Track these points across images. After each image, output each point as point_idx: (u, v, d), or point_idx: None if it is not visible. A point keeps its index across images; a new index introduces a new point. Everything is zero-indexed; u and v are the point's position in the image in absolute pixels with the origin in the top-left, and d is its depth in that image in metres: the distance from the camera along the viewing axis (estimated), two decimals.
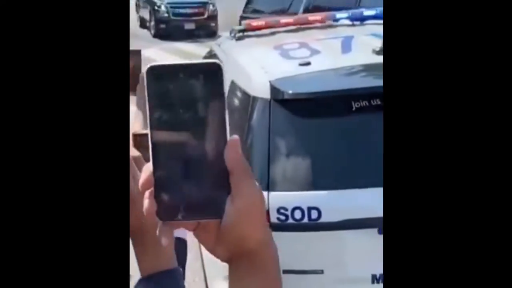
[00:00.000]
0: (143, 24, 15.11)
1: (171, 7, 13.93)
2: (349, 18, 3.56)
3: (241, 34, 3.43)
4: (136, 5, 15.52)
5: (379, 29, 3.07)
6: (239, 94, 2.60)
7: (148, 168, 0.65)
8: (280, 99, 2.30)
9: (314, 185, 2.20)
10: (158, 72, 0.61)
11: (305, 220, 2.15)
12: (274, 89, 2.32)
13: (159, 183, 0.63)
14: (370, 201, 2.16)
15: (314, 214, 2.15)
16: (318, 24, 3.57)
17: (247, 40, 3.37)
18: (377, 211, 2.16)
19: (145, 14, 14.79)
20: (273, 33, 3.43)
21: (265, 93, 2.34)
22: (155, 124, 0.61)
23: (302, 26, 3.57)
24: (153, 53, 11.07)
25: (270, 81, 2.36)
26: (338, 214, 2.15)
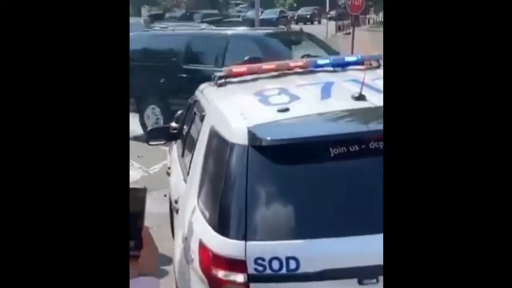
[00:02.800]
0: None
1: None
2: (330, 64, 3.58)
3: (223, 80, 3.43)
4: None
5: (360, 75, 3.08)
6: (218, 140, 2.57)
7: None
8: (257, 146, 2.26)
9: (293, 234, 2.15)
10: None
11: (283, 270, 2.08)
12: (251, 135, 2.29)
13: None
14: (350, 250, 2.11)
15: (292, 264, 2.08)
16: (300, 70, 3.59)
17: (229, 86, 3.37)
18: (357, 260, 2.10)
19: None
20: (255, 79, 3.44)
21: (243, 140, 2.31)
22: None
23: (285, 72, 3.59)
24: None
25: (248, 127, 2.33)
26: (317, 264, 2.09)
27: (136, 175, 6.92)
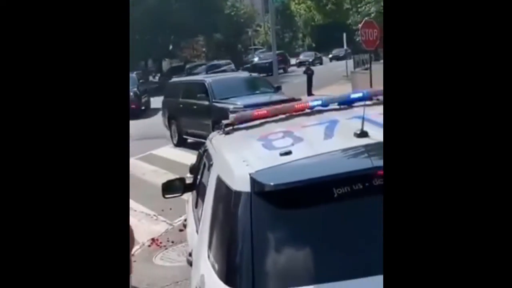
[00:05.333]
0: None
1: None
2: (337, 102, 3.56)
3: (230, 128, 3.43)
4: None
5: (366, 111, 3.06)
6: (224, 189, 2.55)
7: None
8: (261, 192, 2.24)
9: (302, 280, 2.09)
10: None
11: None
12: (254, 182, 2.26)
13: None
14: None
15: None
16: (308, 110, 3.58)
17: (236, 133, 3.37)
18: None
19: None
20: (262, 124, 3.44)
21: (246, 187, 2.29)
22: None
23: (292, 114, 3.58)
24: None
25: (250, 174, 2.31)
26: None
27: (160, 228, 6.91)
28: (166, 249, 6.39)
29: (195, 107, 13.15)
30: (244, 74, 17.66)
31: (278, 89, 13.45)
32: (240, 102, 11.64)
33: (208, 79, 13.92)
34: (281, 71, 36.69)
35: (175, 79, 17.68)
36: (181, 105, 14.09)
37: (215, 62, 36.61)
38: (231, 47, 45.87)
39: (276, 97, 11.87)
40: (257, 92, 13.04)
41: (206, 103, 12.66)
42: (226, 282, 2.17)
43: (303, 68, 27.65)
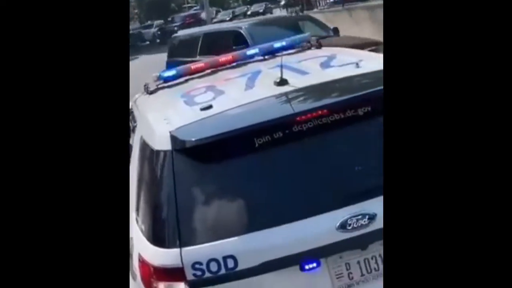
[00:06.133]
0: None
1: None
2: (260, 53, 3.53)
3: (154, 87, 3.35)
4: None
5: (288, 59, 3.04)
6: (147, 150, 2.50)
7: None
8: (181, 149, 2.20)
9: (227, 232, 2.09)
10: None
11: (222, 271, 2.03)
12: (174, 139, 2.22)
13: None
14: (286, 238, 2.06)
15: (230, 263, 2.03)
16: (234, 64, 3.53)
17: (159, 92, 3.29)
18: (295, 246, 2.05)
19: None
20: (186, 81, 3.37)
21: (167, 145, 2.25)
22: None
23: (217, 68, 3.53)
24: None
25: (170, 132, 2.27)
26: (255, 258, 2.04)
27: None
28: None
29: None
30: (284, 15, 13.73)
31: (335, 31, 9.82)
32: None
33: (243, 25, 9.69)
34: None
35: (182, 32, 12.45)
36: None
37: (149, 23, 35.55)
38: (164, 7, 44.68)
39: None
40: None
41: None
42: (152, 242, 2.15)
43: None
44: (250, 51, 3.54)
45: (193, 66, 3.47)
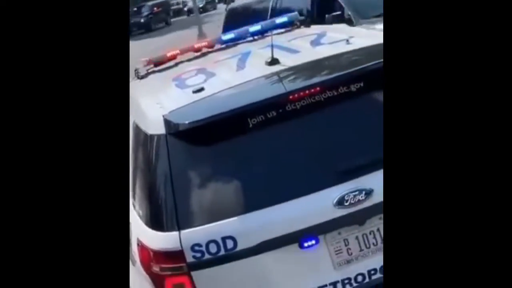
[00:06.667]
0: None
1: None
2: (261, 30, 3.50)
3: (145, 72, 3.34)
4: None
5: (278, 39, 3.02)
6: (140, 135, 2.49)
7: None
8: (175, 132, 2.19)
9: (225, 213, 2.09)
10: None
11: (222, 252, 2.04)
12: (168, 123, 2.22)
13: None
14: (283, 216, 2.07)
15: (229, 244, 2.04)
16: (223, 46, 3.52)
17: (150, 77, 3.28)
18: (294, 225, 2.06)
19: None
20: (176, 64, 3.35)
21: (161, 129, 2.24)
22: None
23: (209, 50, 3.51)
24: None
25: (163, 116, 2.26)
26: (253, 238, 2.04)
27: None
28: None
29: None
30: None
31: None
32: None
33: None
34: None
35: (237, 3, 11.59)
36: None
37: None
38: None
39: None
40: None
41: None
42: (151, 226, 2.16)
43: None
44: (226, 37, 3.53)
45: (167, 53, 3.43)
